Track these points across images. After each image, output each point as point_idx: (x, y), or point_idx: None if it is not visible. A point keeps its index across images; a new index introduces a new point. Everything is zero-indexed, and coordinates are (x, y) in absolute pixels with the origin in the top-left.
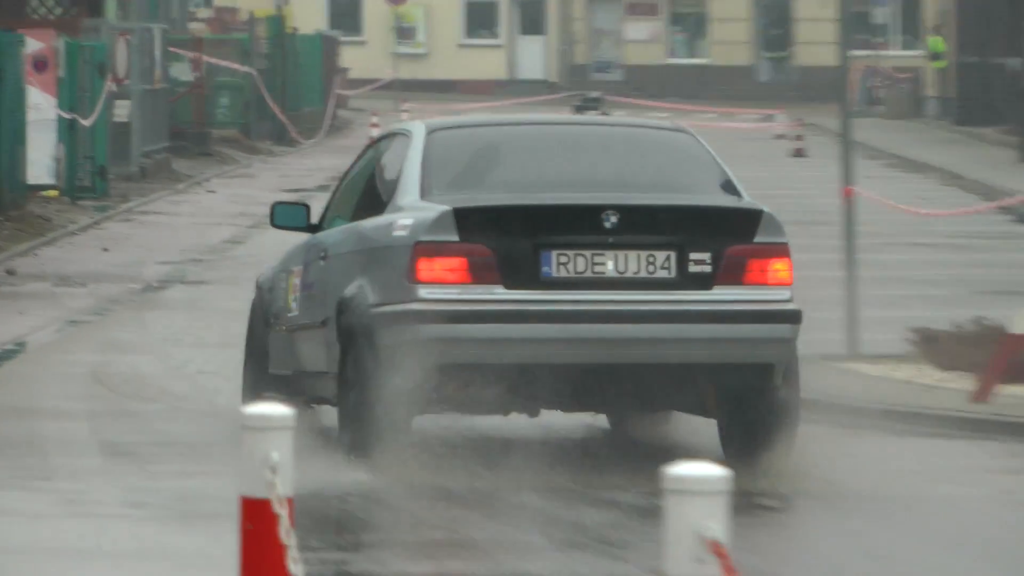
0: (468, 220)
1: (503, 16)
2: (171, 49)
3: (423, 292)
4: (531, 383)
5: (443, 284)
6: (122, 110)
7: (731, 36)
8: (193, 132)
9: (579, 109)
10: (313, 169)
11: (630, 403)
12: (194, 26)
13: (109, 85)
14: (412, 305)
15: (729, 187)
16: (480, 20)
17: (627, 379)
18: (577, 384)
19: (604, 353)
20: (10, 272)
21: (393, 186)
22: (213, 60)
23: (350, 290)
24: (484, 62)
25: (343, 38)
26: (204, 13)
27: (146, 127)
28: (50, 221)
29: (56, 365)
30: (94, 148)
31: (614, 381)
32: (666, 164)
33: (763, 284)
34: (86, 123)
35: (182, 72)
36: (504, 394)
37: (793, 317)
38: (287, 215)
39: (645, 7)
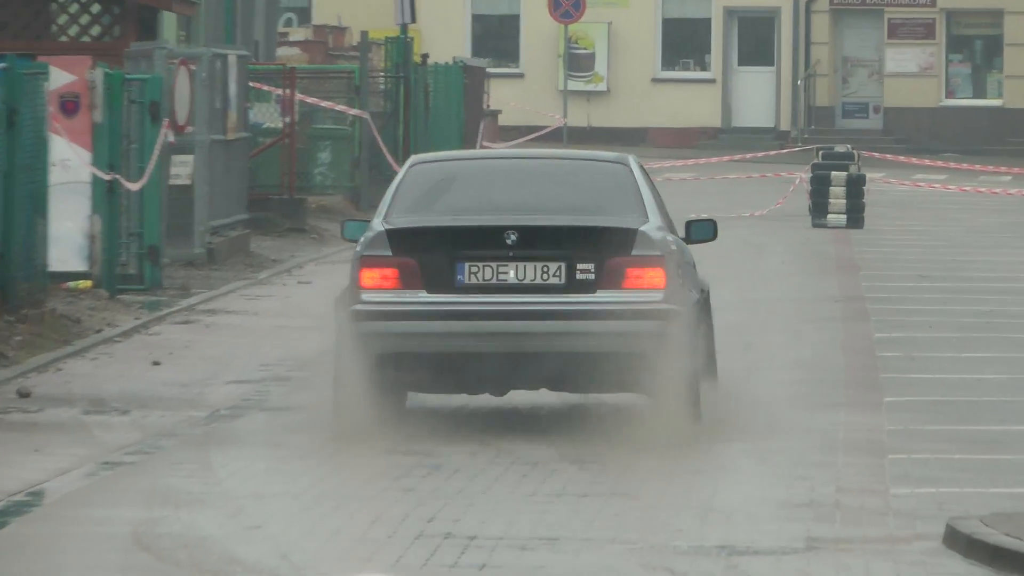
0: (399, 238)
1: (716, 39)
2: (253, 85)
3: (364, 296)
4: (448, 369)
5: (380, 290)
6: (183, 169)
7: None
8: (282, 200)
9: (816, 169)
10: None
11: (530, 386)
12: (285, 52)
13: (165, 134)
14: (356, 306)
15: (635, 208)
16: (683, 45)
17: (525, 366)
18: (484, 370)
19: (506, 344)
20: (23, 394)
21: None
22: (311, 100)
23: (340, 293)
24: (688, 103)
25: (493, 69)
26: (299, 34)
27: (216, 192)
28: (80, 323)
29: (85, 524)
30: (143, 222)
31: (515, 368)
32: (583, 190)
33: (638, 288)
34: (132, 187)
35: (268, 116)
36: (429, 380)
37: (663, 315)
38: (355, 229)
39: (915, 27)
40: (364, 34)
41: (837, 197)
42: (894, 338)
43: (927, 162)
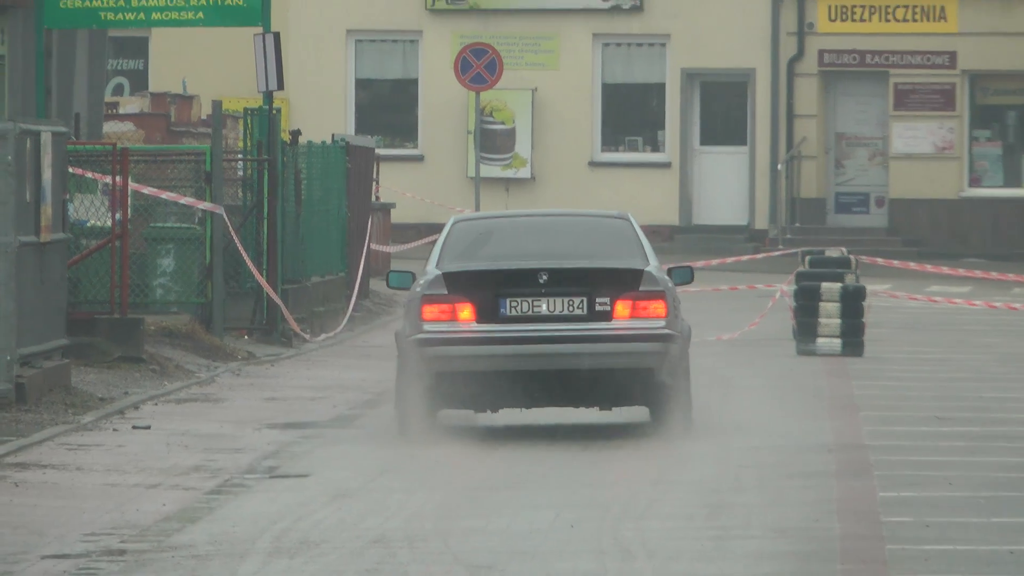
0: (453, 280)
1: (671, 111)
2: (73, 170)
3: (426, 327)
4: (495, 385)
5: (438, 321)
6: None
7: None
8: (111, 320)
9: (802, 279)
10: (325, 387)
11: (559, 400)
12: (115, 128)
13: None
14: (419, 335)
15: (639, 254)
16: (630, 118)
17: (556, 381)
18: (523, 386)
19: (540, 363)
20: None
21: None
22: (149, 190)
23: (399, 325)
24: (637, 193)
25: (384, 150)
26: (133, 104)
27: (27, 311)
28: None
29: None
30: None
31: (546, 384)
32: (596, 240)
33: (645, 317)
34: None
35: (93, 212)
36: (479, 394)
37: (665, 338)
38: (398, 279)
39: (930, 95)
40: (217, 104)
41: (829, 316)
42: (904, 498)
43: (945, 270)
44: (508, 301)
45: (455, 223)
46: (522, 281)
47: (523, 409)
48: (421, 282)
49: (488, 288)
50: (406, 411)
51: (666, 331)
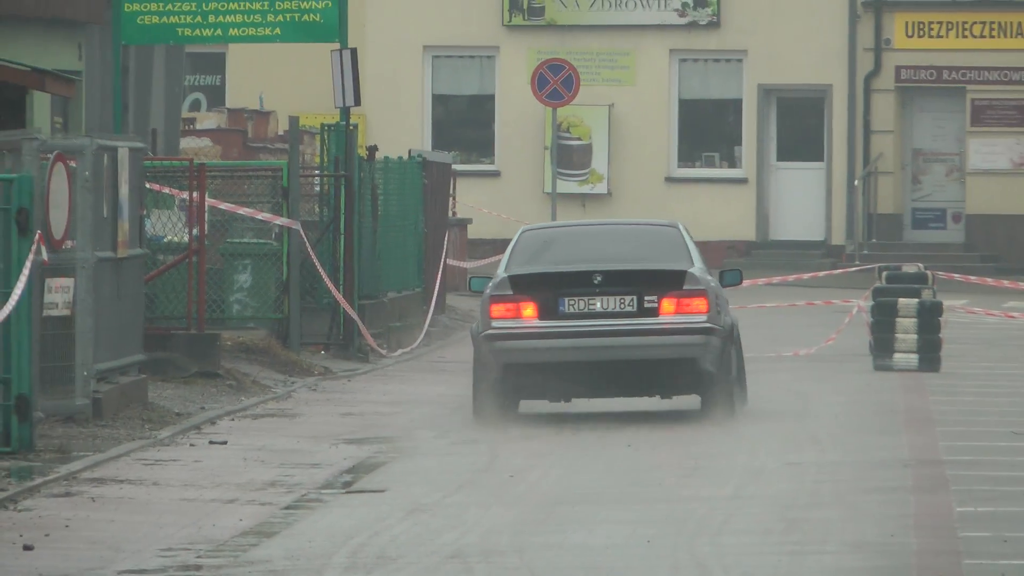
0: (518, 282)
1: (748, 127)
2: (150, 186)
3: (494, 323)
4: (556, 374)
5: (505, 319)
6: (60, 296)
7: None
8: (188, 336)
9: (879, 295)
10: (402, 402)
11: (614, 389)
12: (192, 144)
13: (37, 250)
14: (488, 331)
15: (685, 258)
16: (707, 134)
17: (610, 371)
18: (581, 376)
19: (596, 355)
20: None
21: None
22: (226, 206)
23: (474, 325)
24: (713, 209)
25: (460, 166)
26: (210, 120)
27: (104, 327)
28: None
29: None
30: (8, 365)
31: (602, 373)
32: (645, 245)
33: (688, 313)
34: None
35: (170, 227)
36: (543, 383)
37: (706, 331)
38: (480, 283)
39: (1007, 111)
40: (294, 120)
41: (906, 331)
42: (981, 513)
43: (1022, 286)
44: (566, 300)
45: (523, 232)
46: (579, 282)
47: (588, 399)
48: (490, 284)
49: (549, 288)
50: (480, 400)
51: (707, 325)
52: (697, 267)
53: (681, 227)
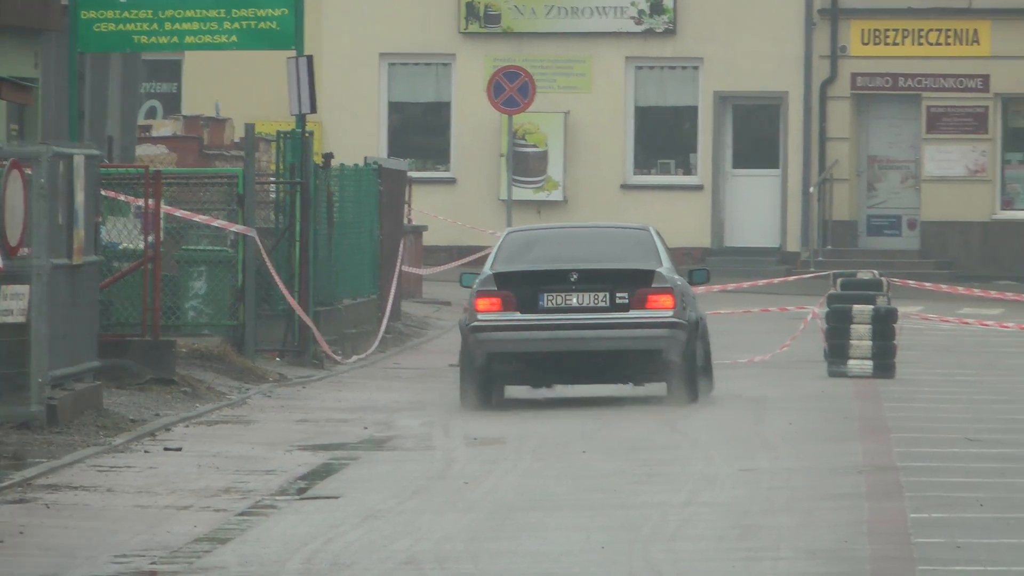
0: (502, 279)
1: (704, 134)
2: (106, 193)
3: (479, 316)
4: (534, 364)
5: (489, 312)
6: (15, 303)
7: None
8: (143, 342)
9: (833, 301)
10: (356, 409)
11: (587, 376)
12: (148, 151)
13: None
14: (474, 323)
15: (655, 258)
16: (662, 141)
17: (584, 360)
18: (557, 364)
19: (571, 345)
20: None
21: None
22: (181, 213)
23: (462, 318)
24: (669, 216)
25: (416, 173)
26: (166, 127)
27: (59, 334)
28: None
29: None
30: None
31: (577, 362)
32: (618, 247)
33: (656, 309)
34: None
35: (125, 234)
36: (523, 371)
37: (672, 325)
38: (469, 279)
39: (962, 118)
40: (250, 128)
41: (861, 338)
42: (935, 520)
43: (976, 292)
44: (545, 295)
45: (508, 233)
46: (557, 279)
47: (568, 385)
48: (477, 280)
49: (529, 285)
50: (466, 386)
51: (673, 319)
52: (665, 267)
53: (652, 230)
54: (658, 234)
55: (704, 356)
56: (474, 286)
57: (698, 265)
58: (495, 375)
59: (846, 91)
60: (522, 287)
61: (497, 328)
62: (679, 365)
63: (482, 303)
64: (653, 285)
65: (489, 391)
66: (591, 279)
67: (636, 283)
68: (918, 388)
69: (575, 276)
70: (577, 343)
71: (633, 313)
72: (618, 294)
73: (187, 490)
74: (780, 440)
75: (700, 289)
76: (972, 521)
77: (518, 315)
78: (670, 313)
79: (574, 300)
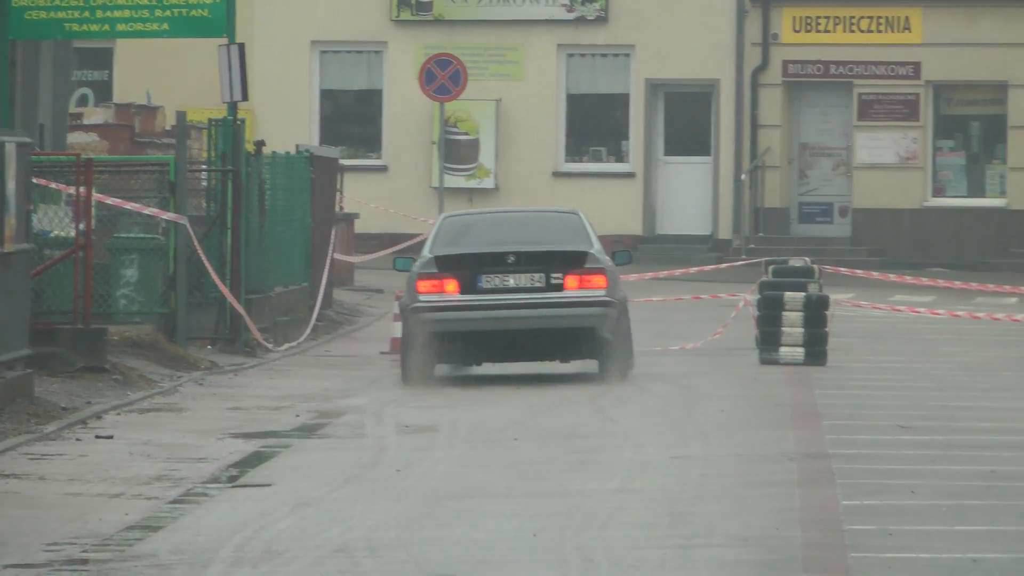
0: (443, 261)
1: (636, 122)
2: (37, 181)
3: (421, 298)
4: (475, 342)
5: (430, 293)
6: None
7: None
8: (74, 331)
9: (765, 288)
10: (288, 397)
11: (525, 354)
12: (79, 139)
13: None
14: (416, 304)
15: (586, 240)
16: (594, 129)
17: (522, 338)
18: (498, 342)
19: (509, 324)
20: None
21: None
22: (113, 201)
23: (403, 297)
24: (600, 204)
25: (347, 161)
26: (97, 115)
27: None
28: None
29: None
30: None
31: (515, 340)
32: (551, 230)
33: (589, 288)
34: None
35: (56, 222)
36: (463, 350)
37: (605, 304)
38: (404, 263)
39: (894, 105)
40: (181, 115)
41: (792, 325)
42: (867, 507)
43: (908, 280)
44: (484, 277)
45: (444, 218)
46: (495, 262)
47: (501, 363)
48: (417, 264)
49: (469, 267)
50: (408, 365)
51: (605, 298)
52: (596, 248)
53: (581, 214)
54: (585, 217)
55: (626, 334)
56: (414, 269)
57: (620, 247)
58: (435, 354)
59: (778, 79)
60: (462, 269)
61: (438, 308)
62: (612, 342)
63: (424, 285)
64: (586, 266)
65: (431, 369)
66: (527, 261)
67: (570, 264)
68: (850, 375)
69: (512, 258)
70: (514, 322)
71: (567, 292)
72: (553, 275)
73: (119, 478)
74: (712, 427)
75: (632, 276)
76: (904, 508)
77: (458, 296)
78: (603, 292)
79: (511, 281)
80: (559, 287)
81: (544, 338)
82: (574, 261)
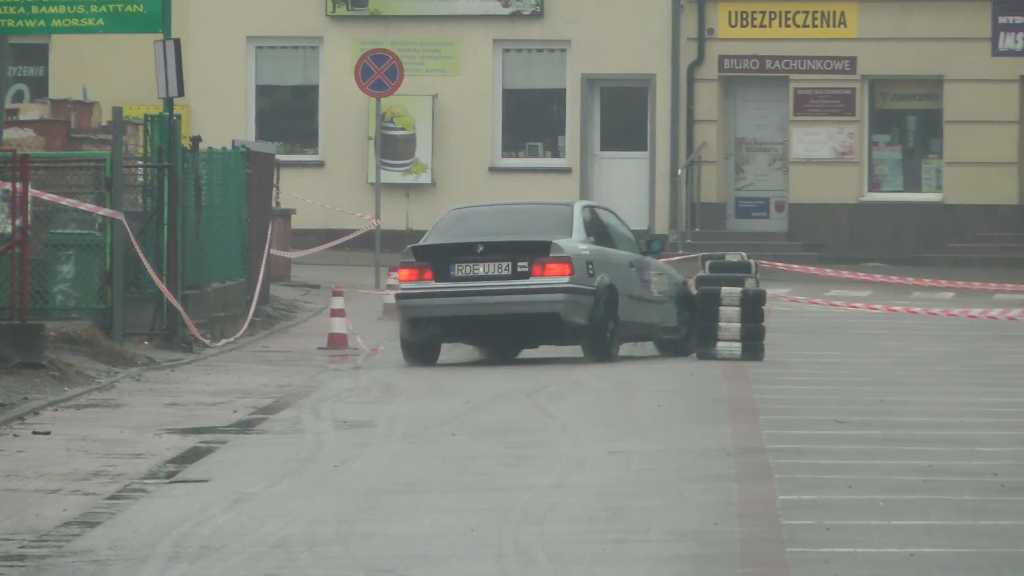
0: (420, 252)
1: (572, 117)
2: None
3: (402, 286)
4: (448, 325)
5: (409, 281)
6: None
7: (989, 150)
8: (11, 326)
9: (702, 283)
10: (225, 392)
11: (494, 338)
12: (15, 135)
13: None
14: (399, 291)
15: (565, 231)
16: (530, 124)
17: (491, 323)
18: (468, 327)
19: (479, 310)
20: None
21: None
22: (49, 197)
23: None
24: (537, 199)
25: (284, 156)
26: (33, 111)
27: None
28: None
29: None
30: None
31: (484, 325)
32: (532, 221)
33: (552, 276)
34: None
35: None
36: (439, 333)
37: (568, 291)
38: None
39: (830, 100)
40: (117, 111)
41: (729, 320)
42: (804, 501)
43: (845, 274)
44: (456, 266)
45: (450, 211)
46: (466, 251)
47: (479, 347)
48: (402, 254)
49: (442, 257)
50: (403, 347)
51: (570, 285)
52: (573, 239)
53: (578, 206)
54: (586, 209)
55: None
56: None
57: (653, 237)
58: (417, 334)
59: (713, 73)
60: (436, 259)
61: (415, 295)
62: (585, 327)
63: (403, 273)
64: (551, 255)
65: (420, 345)
66: (495, 250)
67: (535, 253)
68: (787, 370)
69: (481, 248)
70: (483, 308)
71: (532, 280)
72: (519, 263)
73: (56, 474)
74: (650, 422)
75: None
76: (841, 503)
77: (433, 283)
78: (566, 280)
79: (481, 269)
80: (525, 275)
81: (511, 323)
82: (539, 251)
